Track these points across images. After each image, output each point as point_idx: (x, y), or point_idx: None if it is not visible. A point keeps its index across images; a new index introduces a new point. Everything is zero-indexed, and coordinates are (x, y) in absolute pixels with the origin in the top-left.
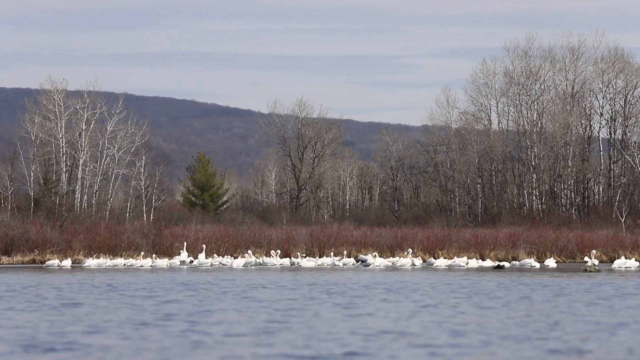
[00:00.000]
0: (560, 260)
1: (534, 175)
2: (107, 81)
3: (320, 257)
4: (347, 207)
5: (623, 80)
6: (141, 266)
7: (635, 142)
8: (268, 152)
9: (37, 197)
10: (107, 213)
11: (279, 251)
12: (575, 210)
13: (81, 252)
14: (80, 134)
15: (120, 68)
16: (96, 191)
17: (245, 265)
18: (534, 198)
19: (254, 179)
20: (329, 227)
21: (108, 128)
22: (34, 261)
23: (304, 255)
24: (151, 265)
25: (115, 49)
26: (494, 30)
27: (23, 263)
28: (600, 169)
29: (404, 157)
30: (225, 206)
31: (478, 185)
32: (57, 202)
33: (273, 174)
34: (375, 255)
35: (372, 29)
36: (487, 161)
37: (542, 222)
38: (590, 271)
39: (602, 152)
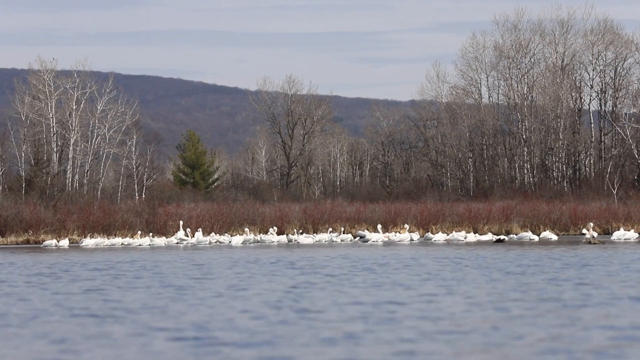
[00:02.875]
0: (555, 233)
1: (525, 149)
2: (93, 61)
3: (315, 234)
4: (338, 183)
5: (613, 52)
6: (139, 245)
7: (625, 114)
8: (257, 129)
9: (28, 177)
10: (99, 193)
11: (275, 228)
12: (567, 182)
13: (75, 232)
14: (70, 114)
15: (107, 47)
16: (87, 171)
17: (243, 242)
18: (526, 171)
19: (244, 157)
20: (323, 204)
21: (98, 107)
22: (27, 241)
23: (300, 231)
24: (149, 244)
25: (101, 29)
26: (482, 4)
27: (17, 243)
28: (591, 142)
29: (394, 133)
30: (215, 184)
31: (469, 160)
32: (49, 182)
33: (263, 151)
34: (380, 228)
35: (359, 4)
36: (478, 135)
37: (534, 195)
38: (594, 243)
39: (592, 125)
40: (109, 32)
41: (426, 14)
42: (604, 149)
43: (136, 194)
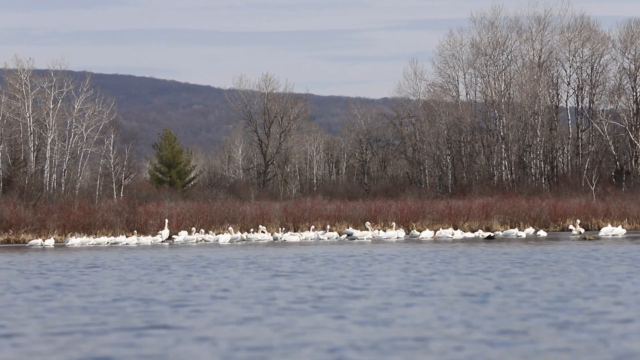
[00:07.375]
0: (536, 230)
1: (503, 146)
2: (66, 59)
3: (295, 232)
4: (315, 181)
5: (589, 48)
6: (126, 244)
7: (602, 111)
8: (229, 128)
9: (5, 177)
10: (77, 192)
11: (261, 227)
12: (545, 179)
13: (55, 231)
14: (47, 113)
15: (79, 46)
16: (65, 170)
17: (231, 241)
18: (504, 168)
19: (221, 155)
20: (303, 202)
21: (75, 107)
22: (8, 241)
23: (284, 230)
24: (136, 243)
25: (73, 28)
26: (459, 2)
27: None
28: (569, 138)
29: (371, 130)
30: (192, 183)
31: (447, 157)
32: (27, 181)
33: (240, 150)
34: (369, 226)
35: (335, 3)
36: (456, 132)
37: (512, 192)
38: (589, 239)
39: (570, 121)
40: (81, 31)
41: (402, 11)
42: (581, 146)
43: (114, 193)
